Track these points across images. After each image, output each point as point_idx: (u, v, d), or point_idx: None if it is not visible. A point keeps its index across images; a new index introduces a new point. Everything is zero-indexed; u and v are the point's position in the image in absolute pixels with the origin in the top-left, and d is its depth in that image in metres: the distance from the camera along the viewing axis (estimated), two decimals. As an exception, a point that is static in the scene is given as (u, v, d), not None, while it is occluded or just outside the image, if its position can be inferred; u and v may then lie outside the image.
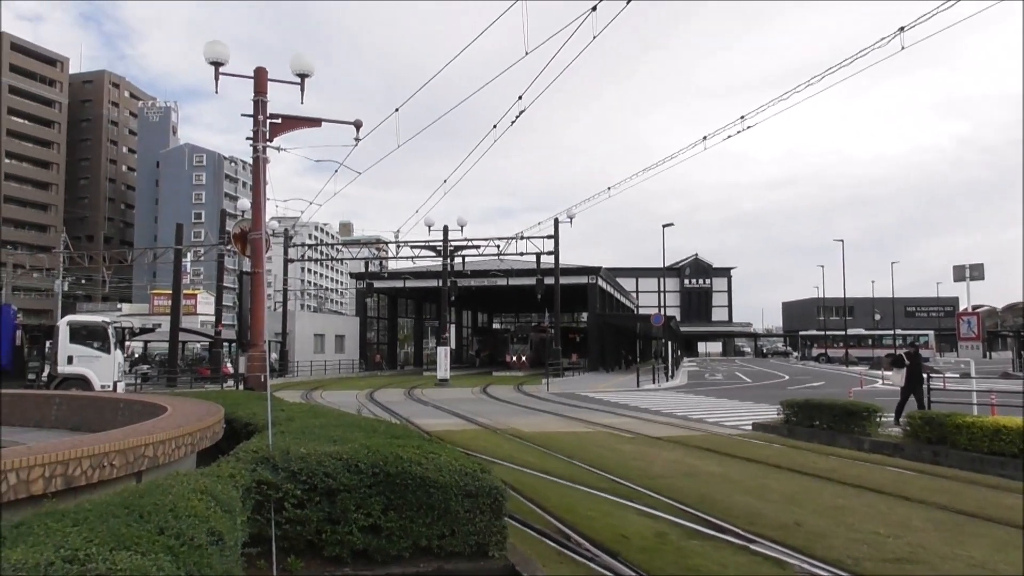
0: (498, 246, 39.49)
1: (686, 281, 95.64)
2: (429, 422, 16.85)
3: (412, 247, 40.31)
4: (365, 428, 7.28)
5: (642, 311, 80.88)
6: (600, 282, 50.35)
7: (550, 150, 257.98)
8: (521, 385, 33.42)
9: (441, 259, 37.85)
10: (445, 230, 37.75)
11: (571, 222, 38.71)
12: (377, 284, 48.66)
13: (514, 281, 47.97)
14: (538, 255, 39.43)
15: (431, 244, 39.21)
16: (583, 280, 48.59)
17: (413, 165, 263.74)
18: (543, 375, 36.63)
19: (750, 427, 15.51)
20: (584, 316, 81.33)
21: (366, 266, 48.68)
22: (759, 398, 24.02)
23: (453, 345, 63.86)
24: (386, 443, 6.19)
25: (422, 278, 50.10)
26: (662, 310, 44.20)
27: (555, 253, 39.14)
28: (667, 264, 57.02)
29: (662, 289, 56.82)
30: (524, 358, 50.62)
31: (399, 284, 52.32)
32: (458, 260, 42.65)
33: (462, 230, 37.06)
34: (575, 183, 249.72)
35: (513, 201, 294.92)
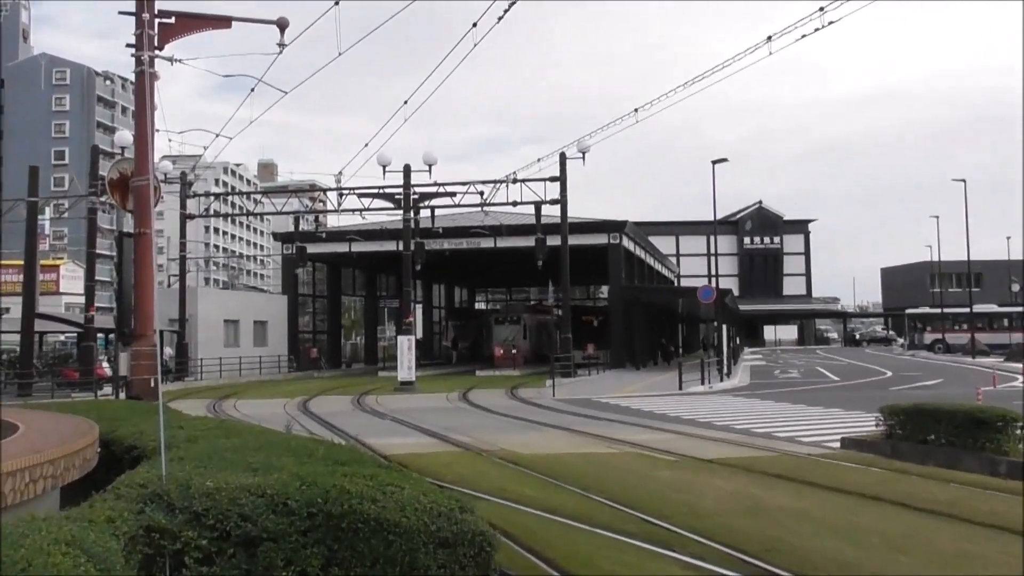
0: (482, 193, 39.55)
1: (746, 240, 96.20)
2: (388, 442, 16.91)
3: (361, 196, 40.30)
4: (297, 451, 7.30)
5: (684, 282, 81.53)
6: (626, 242, 50.71)
7: (554, 59, 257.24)
8: (516, 388, 33.65)
9: (402, 212, 37.85)
10: (407, 171, 37.69)
11: (584, 158, 38.78)
12: (312, 249, 48.70)
13: (505, 242, 48.12)
14: (538, 205, 39.50)
15: (387, 191, 39.18)
16: (602, 240, 48.96)
17: (362, 82, 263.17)
18: (546, 374, 37.00)
19: (837, 444, 15.64)
20: (604, 291, 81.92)
21: (296, 223, 48.57)
22: (850, 403, 24.22)
23: (420, 334, 64.19)
24: (327, 472, 6.16)
25: (375, 239, 50.25)
26: (713, 281, 44.34)
27: (562, 202, 39.24)
28: (719, 216, 57.06)
29: (713, 251, 56.94)
30: (516, 350, 51.87)
31: (343, 248, 52.50)
32: (425, 214, 42.74)
33: (430, 171, 37.16)
34: (589, 105, 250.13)
35: (503, 130, 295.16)
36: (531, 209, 40.35)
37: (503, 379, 41.33)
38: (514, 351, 51.57)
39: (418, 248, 38.82)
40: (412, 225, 38.11)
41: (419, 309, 68.11)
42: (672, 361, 51.45)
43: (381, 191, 39.55)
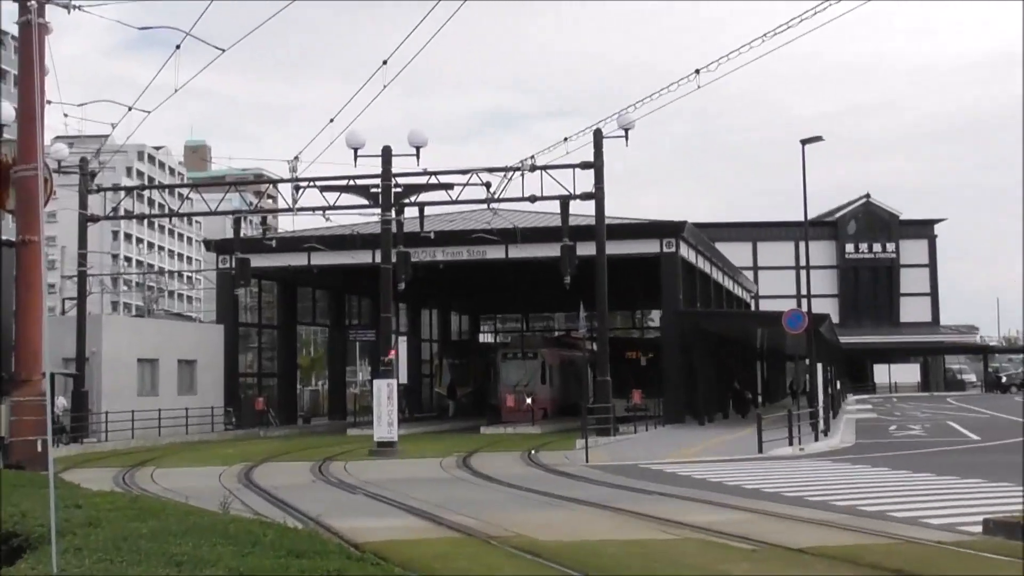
0: (488, 185, 39.77)
1: (849, 247, 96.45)
2: (360, 525, 16.85)
3: (324, 189, 40.56)
4: (237, 538, 7.26)
5: (765, 305, 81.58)
6: (684, 251, 51.14)
7: (588, 10, 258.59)
8: (535, 451, 33.81)
9: (380, 211, 38.01)
10: (387, 156, 37.80)
11: (627, 137, 38.90)
12: (258, 261, 48.94)
13: (520, 251, 48.36)
14: (565, 201, 39.67)
15: (360, 183, 39.39)
16: (652, 248, 49.45)
17: (327, 37, 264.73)
18: (576, 431, 36.85)
19: (978, 527, 15.50)
20: (654, 318, 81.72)
21: (237, 227, 48.73)
22: (994, 471, 24.02)
23: (405, 377, 64.23)
24: (277, 567, 6.14)
25: (344, 248, 50.52)
26: (804, 303, 44.28)
27: (597, 196, 39.44)
28: (812, 216, 56.87)
29: (804, 263, 56.67)
30: (533, 398, 52.83)
31: (300, 260, 52.87)
32: (412, 213, 43.00)
33: (419, 156, 37.45)
34: (633, 67, 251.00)
35: (518, 101, 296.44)
36: (555, 206, 40.39)
37: (518, 438, 41.21)
38: (530, 400, 51.86)
39: (402, 260, 38.91)
40: (394, 229, 38.22)
41: (403, 343, 68.21)
42: (749, 413, 51.41)
43: (351, 183, 39.67)
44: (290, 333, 58.68)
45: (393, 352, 37.87)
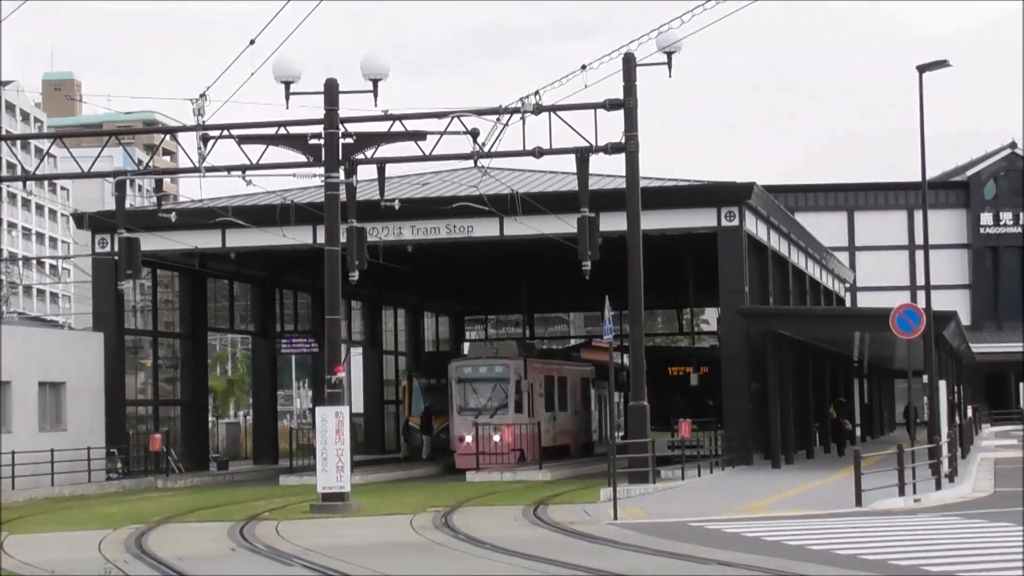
0: (475, 134, 39.66)
1: (986, 218, 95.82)
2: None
3: (243, 141, 40.43)
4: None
5: (865, 300, 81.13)
6: (751, 224, 51.53)
7: None
8: (543, 505, 33.95)
9: (323, 172, 38.01)
10: (331, 92, 37.76)
11: (670, 64, 39.06)
12: (151, 243, 48.76)
13: (520, 226, 48.30)
14: (582, 156, 39.66)
15: (294, 132, 39.42)
16: (705, 220, 49.85)
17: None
18: (601, 478, 37.34)
19: None
20: (708, 318, 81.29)
21: (120, 195, 48.63)
22: None
23: (360, 403, 64.27)
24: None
25: (271, 224, 50.35)
26: (922, 297, 44.36)
27: (629, 148, 39.58)
28: (933, 175, 56.78)
29: (921, 241, 56.84)
30: (502, 433, 53.45)
31: (211, 241, 52.91)
32: (369, 174, 42.82)
33: (376, 93, 37.48)
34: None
35: (518, 13, 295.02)
36: (569, 163, 40.42)
37: (518, 488, 41.33)
38: (498, 436, 52.70)
39: (355, 240, 38.70)
40: (343, 196, 38.20)
41: (357, 356, 68.44)
42: (845, 448, 51.51)
43: (281, 130, 39.66)
44: (199, 344, 58.84)
45: (342, 369, 38.01)
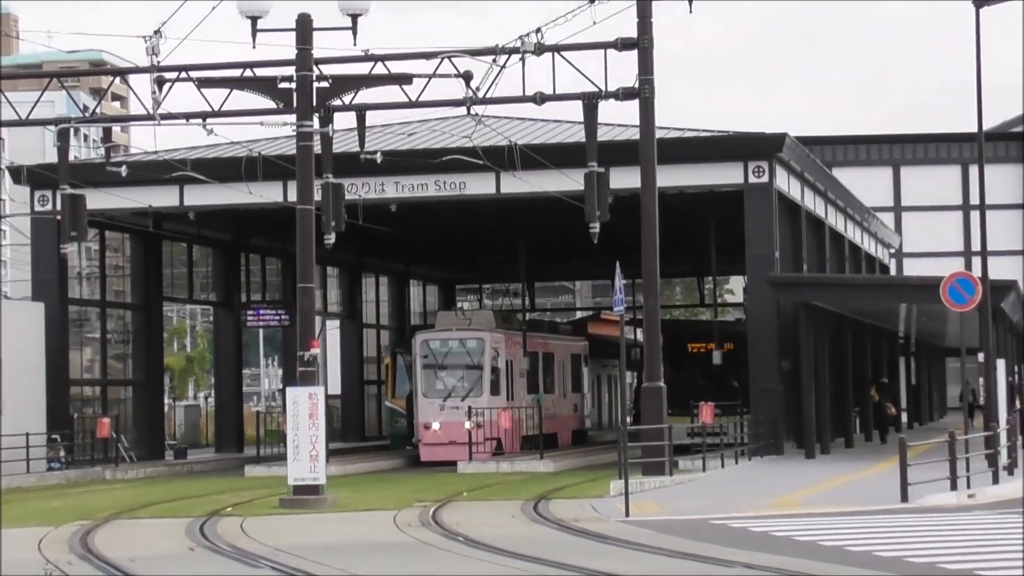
0: (468, 78, 39.64)
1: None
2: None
3: (204, 83, 40.45)
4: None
5: (912, 267, 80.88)
6: (783, 180, 51.70)
7: None
8: (545, 500, 34.16)
9: (294, 119, 38.01)
10: (303, 28, 37.74)
11: (691, -1, 38.95)
12: (98, 201, 48.76)
13: (519, 183, 48.33)
14: (590, 102, 39.74)
15: (261, 75, 39.55)
16: (730, 177, 50.00)
17: None
18: (610, 470, 37.84)
19: None
20: (733, 288, 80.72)
21: (64, 146, 48.67)
22: None
23: (337, 384, 64.23)
24: None
25: (236, 179, 50.24)
26: (976, 264, 44.41)
27: (643, 93, 39.65)
28: (992, 125, 56.61)
29: (975, 202, 57.02)
30: (475, 419, 52.72)
31: (166, 199, 52.83)
32: (347, 123, 42.95)
33: (355, 30, 37.56)
34: None
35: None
36: (575, 111, 40.46)
37: (516, 480, 41.46)
38: (470, 423, 52.11)
39: (332, 197, 38.79)
40: (319, 147, 38.26)
41: (334, 330, 68.43)
42: (888, 435, 51.55)
43: (247, 72, 39.69)
44: (153, 316, 58.99)
45: (317, 344, 38.05)
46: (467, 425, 51.78)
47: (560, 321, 72.72)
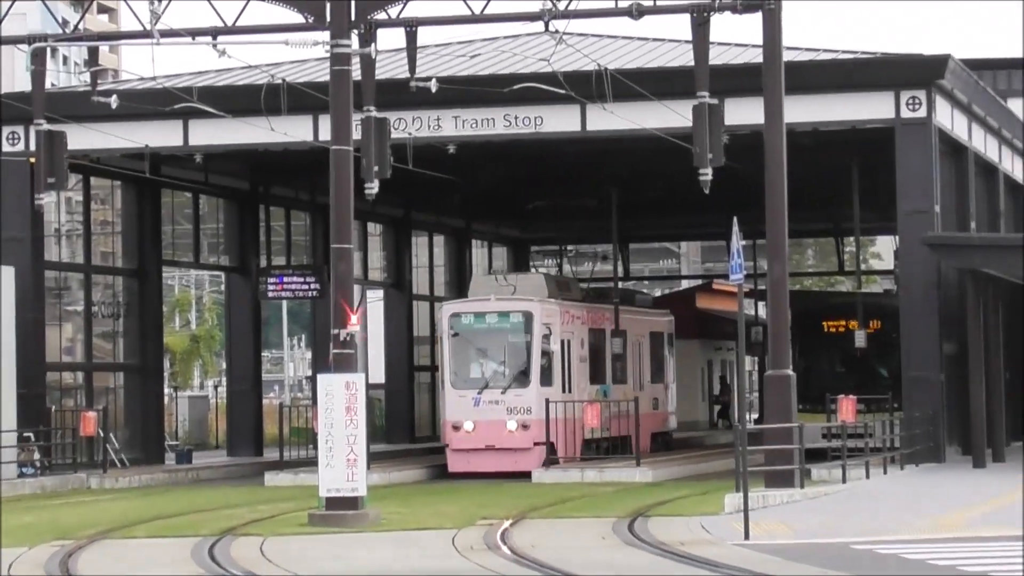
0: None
1: None
2: None
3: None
4: None
5: None
6: (945, 116, 51.33)
7: None
8: (643, 518, 34.17)
9: (328, 41, 38.03)
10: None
11: None
12: (84, 139, 49.17)
13: (609, 119, 48.26)
14: (701, 15, 39.52)
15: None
16: (877, 111, 49.76)
17: None
18: (727, 480, 37.33)
19: None
20: (881, 252, 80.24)
21: (39, 71, 49.00)
22: None
23: (382, 370, 64.39)
24: None
25: (253, 113, 50.36)
26: None
27: (768, 1, 39.41)
28: None
29: None
30: (520, 416, 51.89)
31: (168, 137, 52.87)
32: (393, 42, 42.91)
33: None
34: None
35: None
36: (680, 26, 40.46)
37: (605, 491, 41.37)
38: (515, 424, 51.39)
39: (374, 136, 38.87)
40: (357, 73, 38.33)
41: (377, 302, 68.54)
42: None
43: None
44: (150, 285, 59.34)
45: (356, 320, 38.05)
46: (509, 426, 51.28)
47: (639, 291, 70.55)
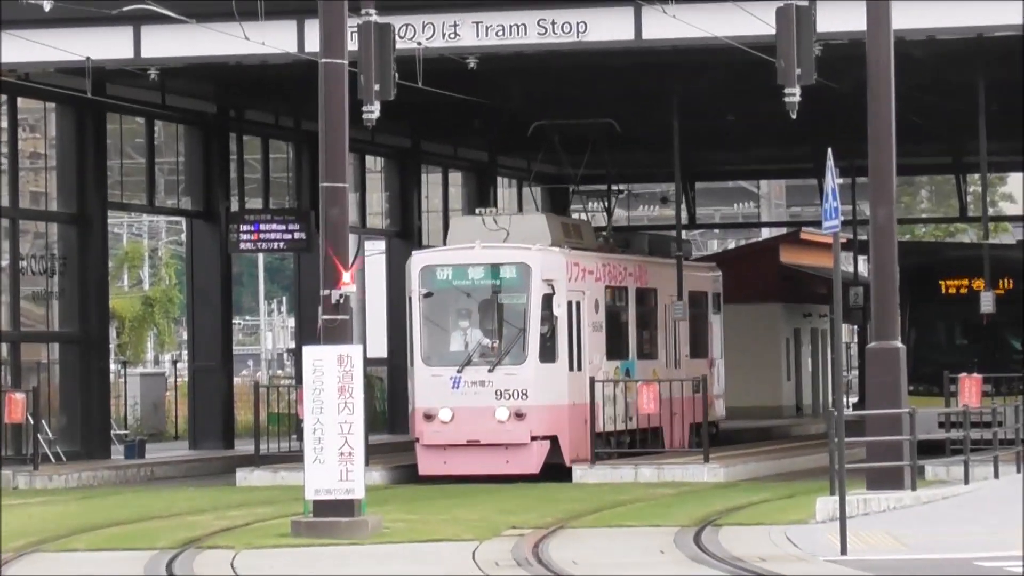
0: None
1: None
2: None
3: None
4: None
5: None
6: None
7: None
8: (712, 527, 34.36)
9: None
10: None
11: None
12: (14, 52, 49.30)
13: (670, 27, 48.08)
14: None
15: None
16: (1007, 16, 48.45)
17: None
18: (817, 475, 38.60)
19: None
20: (1014, 194, 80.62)
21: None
22: None
23: (384, 343, 64.61)
24: None
25: (222, 18, 50.30)
26: None
27: None
28: None
29: None
30: (512, 402, 50.17)
31: (117, 51, 52.88)
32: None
33: None
34: None
35: None
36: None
37: (666, 493, 41.47)
38: (507, 412, 49.93)
39: (373, 42, 38.84)
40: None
41: (378, 256, 68.61)
42: None
43: None
44: (93, 234, 59.45)
45: (352, 278, 37.87)
46: (499, 414, 49.75)
47: (674, 237, 65.88)
